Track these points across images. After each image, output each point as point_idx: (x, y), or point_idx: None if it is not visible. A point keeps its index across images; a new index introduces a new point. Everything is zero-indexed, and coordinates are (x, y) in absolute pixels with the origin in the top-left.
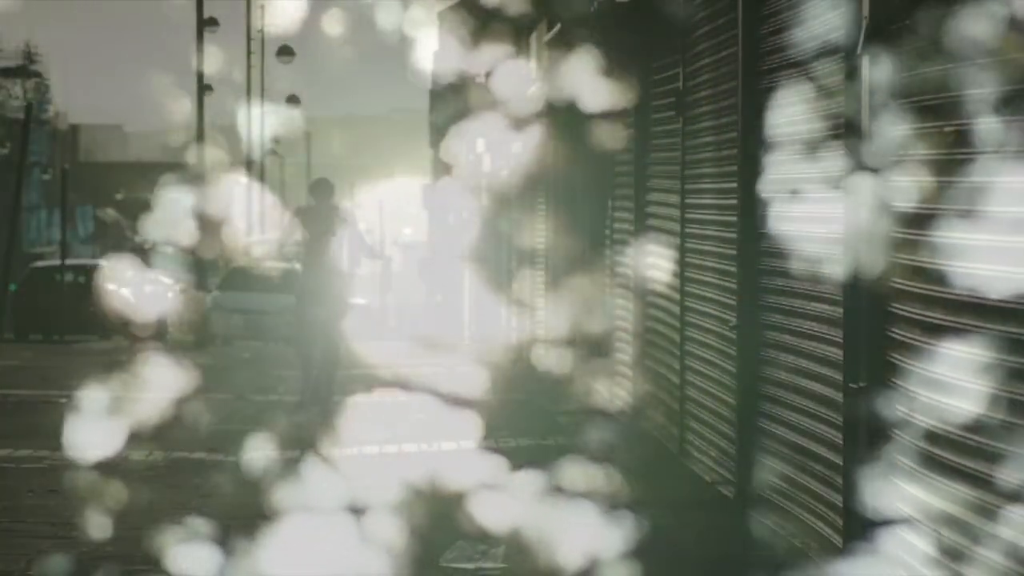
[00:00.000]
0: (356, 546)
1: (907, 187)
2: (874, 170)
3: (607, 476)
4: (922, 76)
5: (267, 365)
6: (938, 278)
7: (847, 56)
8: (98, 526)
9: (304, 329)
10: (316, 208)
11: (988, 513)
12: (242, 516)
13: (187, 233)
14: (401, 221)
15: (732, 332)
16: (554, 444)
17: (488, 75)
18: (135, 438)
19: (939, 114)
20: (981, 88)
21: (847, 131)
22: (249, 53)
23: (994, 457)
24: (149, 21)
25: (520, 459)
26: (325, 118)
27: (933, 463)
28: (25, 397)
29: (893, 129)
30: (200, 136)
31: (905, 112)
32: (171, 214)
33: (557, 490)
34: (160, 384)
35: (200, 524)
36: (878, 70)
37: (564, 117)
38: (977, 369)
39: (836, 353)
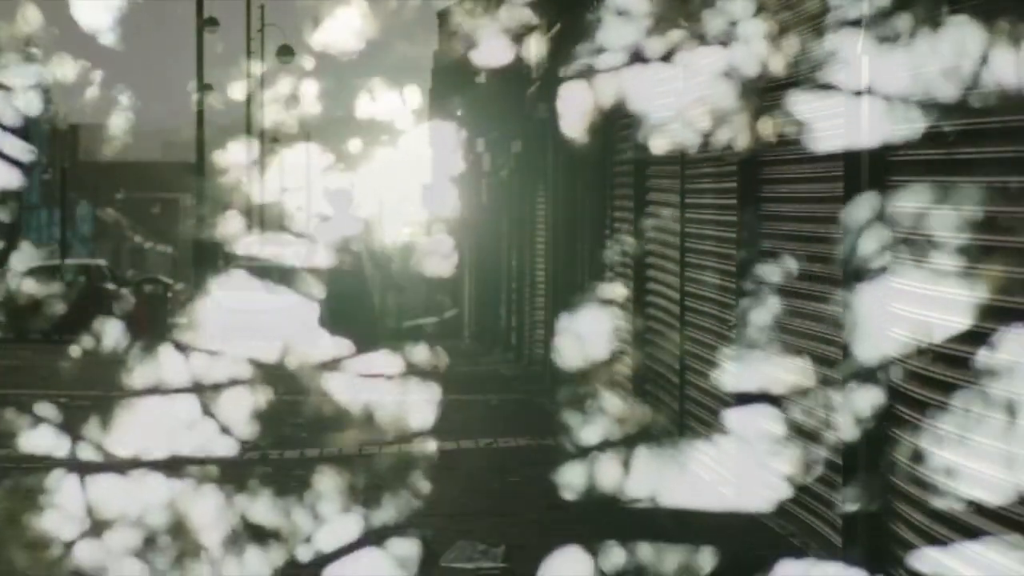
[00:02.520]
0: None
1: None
2: (874, 173)
3: None
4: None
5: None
6: (938, 281)
7: (850, 56)
8: None
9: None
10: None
11: (986, 513)
12: None
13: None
14: (401, 221)
15: (732, 332)
16: None
17: (488, 74)
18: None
19: (938, 114)
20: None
21: (847, 130)
22: (249, 53)
23: (994, 455)
24: (149, 21)
25: None
26: (325, 117)
27: (932, 461)
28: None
29: (892, 131)
30: (200, 135)
31: (904, 108)
32: None
33: None
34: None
35: None
36: (877, 69)
37: (564, 115)
38: (977, 371)
39: (836, 353)
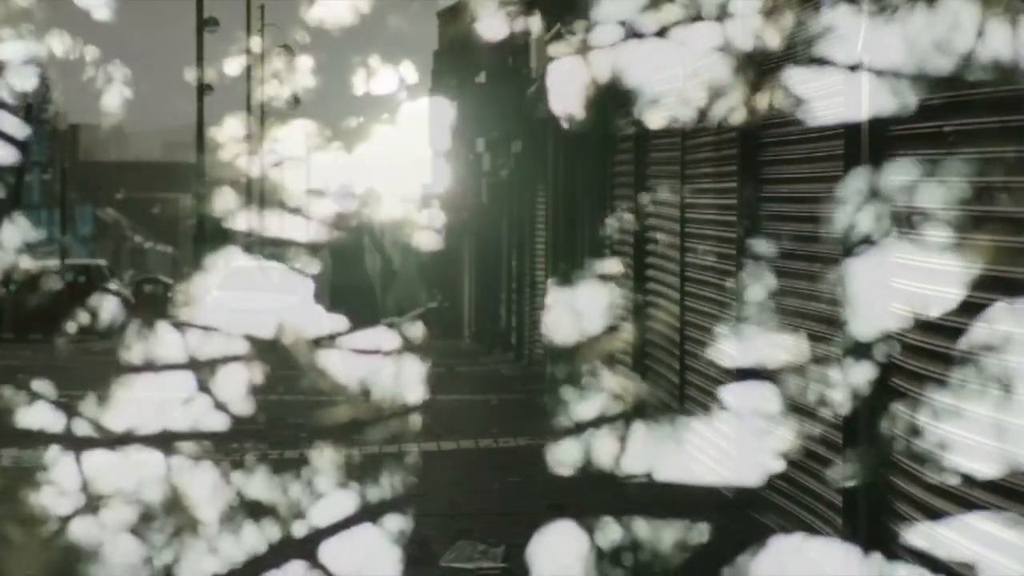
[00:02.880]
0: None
1: (907, 184)
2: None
3: None
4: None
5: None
6: (940, 279)
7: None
8: None
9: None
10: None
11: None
12: None
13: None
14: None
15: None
16: None
17: (488, 74)
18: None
19: (937, 112)
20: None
21: (847, 124)
22: (248, 53)
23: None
24: (149, 21)
25: None
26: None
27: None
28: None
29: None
30: (200, 136)
31: (904, 104)
32: None
33: None
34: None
35: None
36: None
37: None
38: (979, 369)
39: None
